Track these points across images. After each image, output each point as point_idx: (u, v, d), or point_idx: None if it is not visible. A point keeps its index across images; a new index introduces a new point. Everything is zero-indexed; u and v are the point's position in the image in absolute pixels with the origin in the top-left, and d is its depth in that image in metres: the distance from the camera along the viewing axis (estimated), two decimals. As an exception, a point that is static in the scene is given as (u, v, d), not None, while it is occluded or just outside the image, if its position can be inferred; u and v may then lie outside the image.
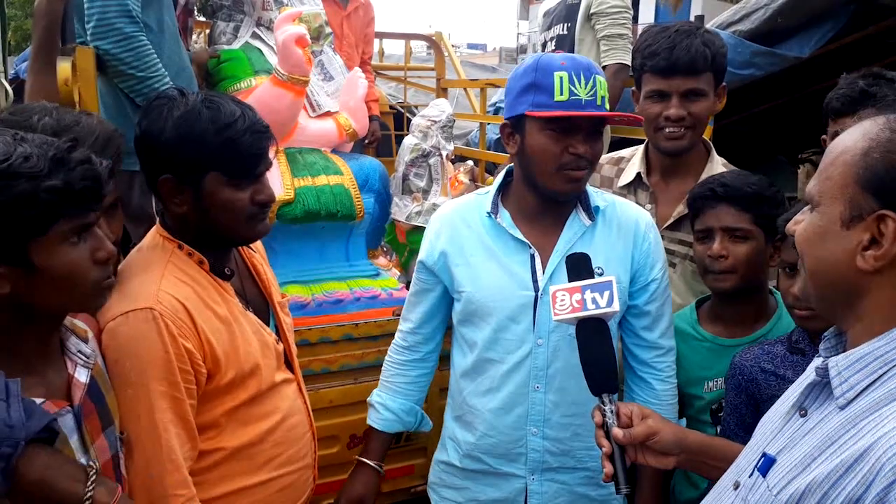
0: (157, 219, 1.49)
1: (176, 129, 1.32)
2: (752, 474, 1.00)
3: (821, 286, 0.95)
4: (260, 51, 2.63)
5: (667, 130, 1.92)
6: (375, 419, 1.76)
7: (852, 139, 0.91)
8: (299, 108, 2.45)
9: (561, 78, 1.43)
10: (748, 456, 1.06)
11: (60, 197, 1.04)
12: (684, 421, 1.72)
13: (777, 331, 1.68)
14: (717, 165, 1.99)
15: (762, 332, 1.70)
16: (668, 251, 1.96)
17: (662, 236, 1.96)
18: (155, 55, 2.06)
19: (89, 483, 1.06)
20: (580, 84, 1.44)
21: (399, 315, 1.85)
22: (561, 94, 1.43)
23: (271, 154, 1.45)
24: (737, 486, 1.04)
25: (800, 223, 0.99)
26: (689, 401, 1.77)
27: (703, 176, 1.97)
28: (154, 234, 1.47)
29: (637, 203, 2.00)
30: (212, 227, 1.41)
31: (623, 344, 1.70)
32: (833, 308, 0.96)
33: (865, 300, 0.90)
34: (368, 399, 1.80)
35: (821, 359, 0.99)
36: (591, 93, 1.45)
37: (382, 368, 1.81)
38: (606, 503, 1.66)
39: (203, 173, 1.35)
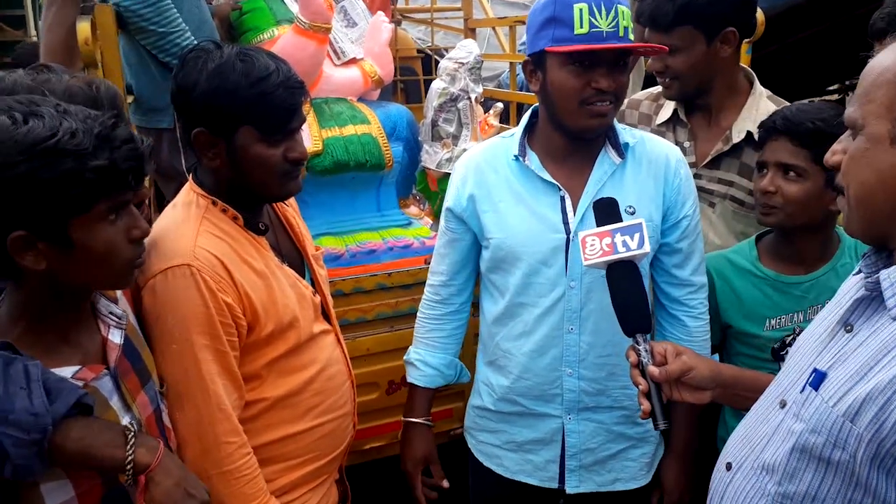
0: (190, 175, 1.50)
1: (209, 82, 1.32)
2: (803, 390, 1.00)
3: (870, 209, 0.94)
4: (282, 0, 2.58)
5: (658, 80, 1.91)
6: (417, 377, 1.76)
7: (890, 59, 0.90)
8: (323, 56, 2.41)
9: (581, 10, 1.38)
10: (790, 376, 1.07)
11: (105, 176, 1.03)
12: (717, 357, 1.70)
13: (839, 267, 1.65)
14: (761, 98, 1.91)
15: (824, 271, 1.66)
16: (706, 190, 1.91)
17: (701, 175, 1.91)
18: (175, 10, 2.05)
19: (129, 447, 1.07)
20: (601, 15, 1.38)
21: (430, 263, 1.84)
22: (581, 26, 1.38)
23: (305, 110, 1.43)
24: (783, 404, 1.05)
25: (838, 152, 0.98)
26: (744, 339, 1.73)
27: (744, 111, 1.89)
28: (188, 190, 1.48)
29: (676, 140, 1.95)
30: (244, 183, 1.41)
31: (654, 282, 1.67)
32: (881, 231, 0.95)
33: None
34: (406, 357, 1.80)
35: (858, 276, 0.99)
36: (613, 24, 1.39)
37: (416, 325, 1.81)
38: (643, 440, 1.67)
39: (235, 127, 1.35)
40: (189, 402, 1.33)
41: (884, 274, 0.93)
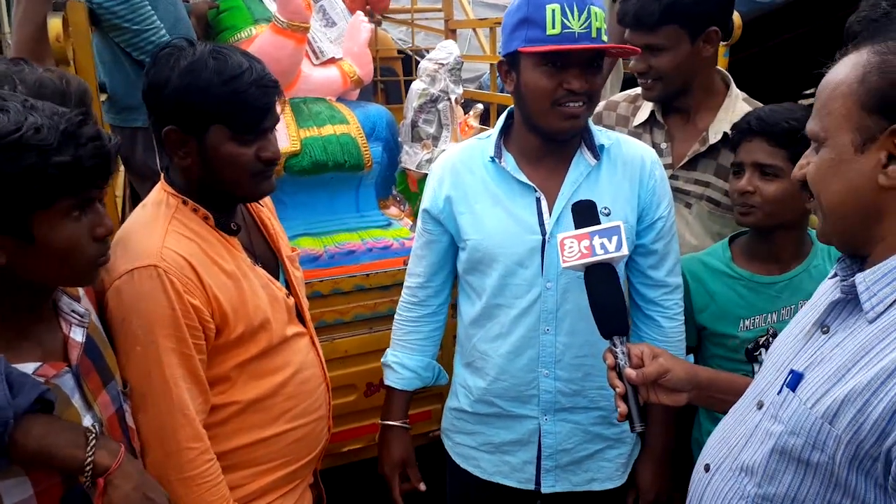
0: (162, 174, 1.47)
1: (181, 79, 1.30)
2: (780, 391, 1.01)
3: (841, 219, 0.96)
4: (259, -2, 2.55)
5: (640, 81, 1.89)
6: (395, 379, 1.75)
7: (843, 72, 0.94)
8: (301, 56, 2.39)
9: (553, 10, 1.38)
10: (767, 377, 1.08)
11: (69, 173, 1.03)
12: (691, 358, 1.70)
13: (812, 269, 1.65)
14: (737, 100, 1.92)
15: (798, 272, 1.67)
16: (683, 191, 1.91)
17: (678, 176, 1.92)
18: (149, 7, 2.02)
19: (89, 448, 1.06)
20: (573, 16, 1.38)
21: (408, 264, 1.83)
22: (553, 27, 1.38)
23: (279, 110, 1.42)
24: (761, 405, 1.05)
25: (805, 165, 1.00)
26: (719, 340, 1.74)
27: (721, 112, 1.90)
28: (159, 189, 1.45)
29: (653, 142, 1.95)
30: (216, 182, 1.40)
31: (629, 283, 1.67)
32: (855, 237, 0.96)
33: (886, 219, 0.92)
34: (383, 360, 1.79)
35: (834, 279, 1.01)
36: (586, 25, 1.39)
37: (393, 327, 1.79)
38: (620, 441, 1.67)
39: (207, 125, 1.33)
40: (151, 406, 1.31)
41: (859, 278, 0.94)
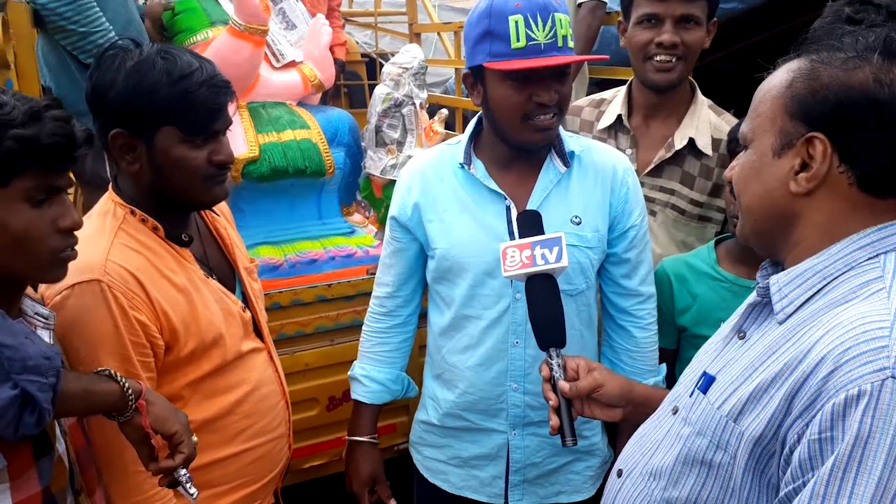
0: (111, 184, 1.41)
1: (127, 80, 1.25)
2: (692, 394, 1.01)
3: (758, 220, 0.98)
4: (216, 0, 2.48)
5: (657, 59, 1.80)
6: (362, 393, 1.69)
7: (777, 76, 0.95)
8: (260, 59, 2.33)
9: (517, 22, 1.34)
10: (685, 383, 1.08)
11: (27, 147, 1.00)
12: (664, 367, 1.68)
13: None
14: (703, 107, 1.90)
15: None
16: (648, 198, 1.89)
17: (643, 182, 1.89)
18: (97, 8, 1.93)
19: (121, 379, 1.11)
20: (538, 27, 1.34)
21: (373, 273, 1.78)
22: (518, 40, 1.34)
23: (231, 111, 1.36)
24: (675, 410, 1.06)
25: (735, 167, 1.01)
26: (697, 342, 1.71)
27: (687, 118, 1.88)
28: (106, 199, 1.39)
29: (617, 147, 1.92)
30: (166, 189, 1.33)
31: (602, 292, 1.65)
32: (771, 241, 0.98)
33: (800, 224, 0.93)
34: (350, 373, 1.73)
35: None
36: (551, 35, 1.35)
37: (361, 338, 1.74)
38: (588, 453, 1.64)
39: (156, 127, 1.28)
40: (96, 430, 1.25)
41: (773, 279, 0.95)
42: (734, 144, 1.67)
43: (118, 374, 1.13)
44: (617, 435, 1.66)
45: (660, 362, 1.70)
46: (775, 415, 0.85)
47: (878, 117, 0.85)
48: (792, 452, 0.82)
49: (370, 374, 1.69)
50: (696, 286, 1.71)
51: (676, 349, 1.80)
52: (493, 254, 1.49)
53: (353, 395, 1.71)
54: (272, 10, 2.50)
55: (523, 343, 1.51)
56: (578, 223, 1.48)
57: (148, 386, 1.19)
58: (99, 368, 1.14)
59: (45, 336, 1.13)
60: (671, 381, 1.77)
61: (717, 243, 1.77)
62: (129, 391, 1.11)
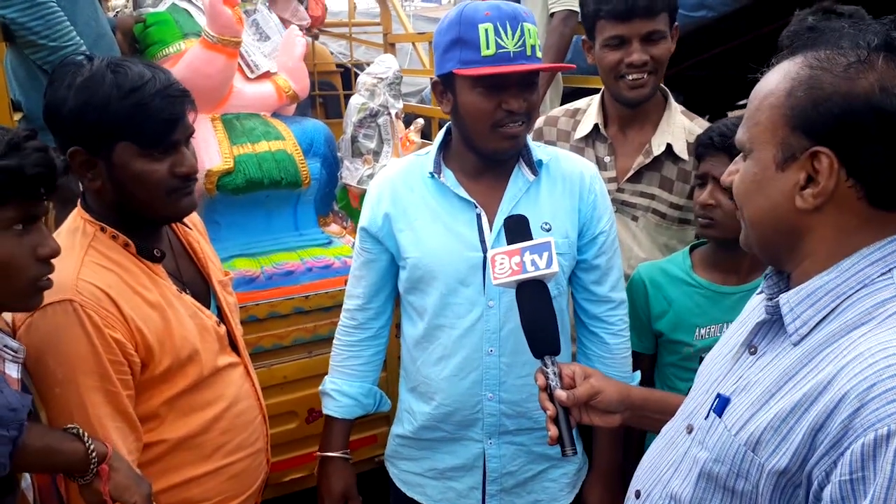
0: (80, 200, 1.39)
1: (77, 97, 1.23)
2: (707, 416, 0.99)
3: (763, 233, 0.95)
4: (188, 12, 2.47)
5: (629, 78, 1.82)
6: (333, 407, 1.67)
7: (774, 81, 0.90)
8: (233, 71, 2.32)
9: (486, 30, 1.35)
10: (696, 399, 1.06)
11: (11, 178, 1.01)
12: (638, 374, 1.69)
13: None
14: (676, 113, 1.93)
15: (758, 282, 1.67)
16: (629, 204, 1.92)
17: (623, 189, 1.92)
18: (68, 22, 1.91)
19: (87, 439, 1.12)
20: (507, 35, 1.36)
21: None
22: (487, 48, 1.35)
23: (192, 120, 1.34)
24: (690, 429, 1.03)
25: (734, 173, 0.97)
26: (674, 348, 1.74)
27: (662, 125, 1.91)
28: (75, 216, 1.37)
29: (596, 156, 1.95)
30: (131, 205, 1.32)
31: (573, 299, 1.66)
32: (777, 253, 0.95)
33: (809, 239, 0.90)
34: (321, 388, 1.71)
35: (762, 296, 0.99)
36: (520, 43, 1.37)
37: (332, 352, 1.72)
38: (565, 460, 1.63)
39: (112, 143, 1.26)
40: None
41: (783, 299, 0.92)
42: (701, 149, 1.69)
43: (86, 434, 1.13)
44: (593, 441, 1.67)
45: (638, 367, 1.71)
46: (799, 449, 0.82)
47: (885, 129, 0.81)
48: (822, 489, 0.80)
49: (341, 389, 1.67)
50: (671, 291, 1.73)
51: (654, 354, 1.82)
52: (465, 262, 1.50)
53: (325, 410, 1.69)
54: (245, 22, 2.49)
55: (497, 351, 1.51)
56: (549, 230, 1.49)
57: (116, 450, 1.19)
58: (67, 426, 1.15)
59: (14, 371, 1.12)
60: (648, 385, 1.78)
61: (691, 249, 1.79)
62: (94, 454, 1.11)
